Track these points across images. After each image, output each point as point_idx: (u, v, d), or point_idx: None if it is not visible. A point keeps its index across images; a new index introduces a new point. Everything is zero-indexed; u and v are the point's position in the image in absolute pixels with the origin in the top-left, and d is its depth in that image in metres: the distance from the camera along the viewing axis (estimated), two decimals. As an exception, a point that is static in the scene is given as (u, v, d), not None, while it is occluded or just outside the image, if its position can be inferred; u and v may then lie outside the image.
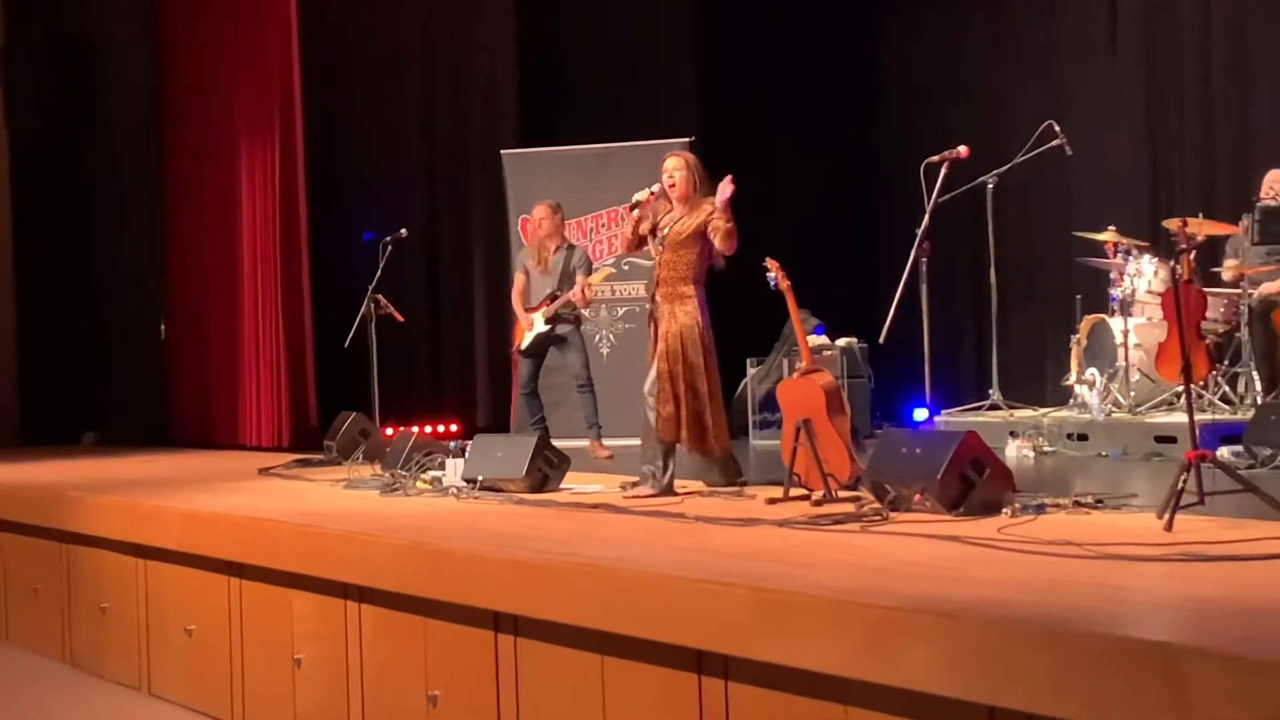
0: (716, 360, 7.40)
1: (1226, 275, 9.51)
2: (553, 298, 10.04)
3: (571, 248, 10.27)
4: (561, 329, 10.14)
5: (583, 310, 10.22)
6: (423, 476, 7.68)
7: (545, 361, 10.39)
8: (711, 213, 7.23)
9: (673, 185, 7.36)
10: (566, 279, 10.03)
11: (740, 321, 11.46)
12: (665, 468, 7.16)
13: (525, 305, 10.21)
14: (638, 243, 7.50)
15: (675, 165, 7.40)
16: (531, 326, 10.13)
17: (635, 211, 7.46)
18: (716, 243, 7.23)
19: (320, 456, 9.68)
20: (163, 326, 13.27)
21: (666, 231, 7.32)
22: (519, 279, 10.30)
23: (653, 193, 7.42)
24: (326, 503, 7.40)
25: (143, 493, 8.17)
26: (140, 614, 7.67)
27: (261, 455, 10.76)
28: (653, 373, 7.31)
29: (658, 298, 7.35)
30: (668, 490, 7.10)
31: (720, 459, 7.40)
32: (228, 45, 12.27)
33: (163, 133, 13.07)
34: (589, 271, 10.11)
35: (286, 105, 11.72)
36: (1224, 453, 7.35)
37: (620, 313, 11.87)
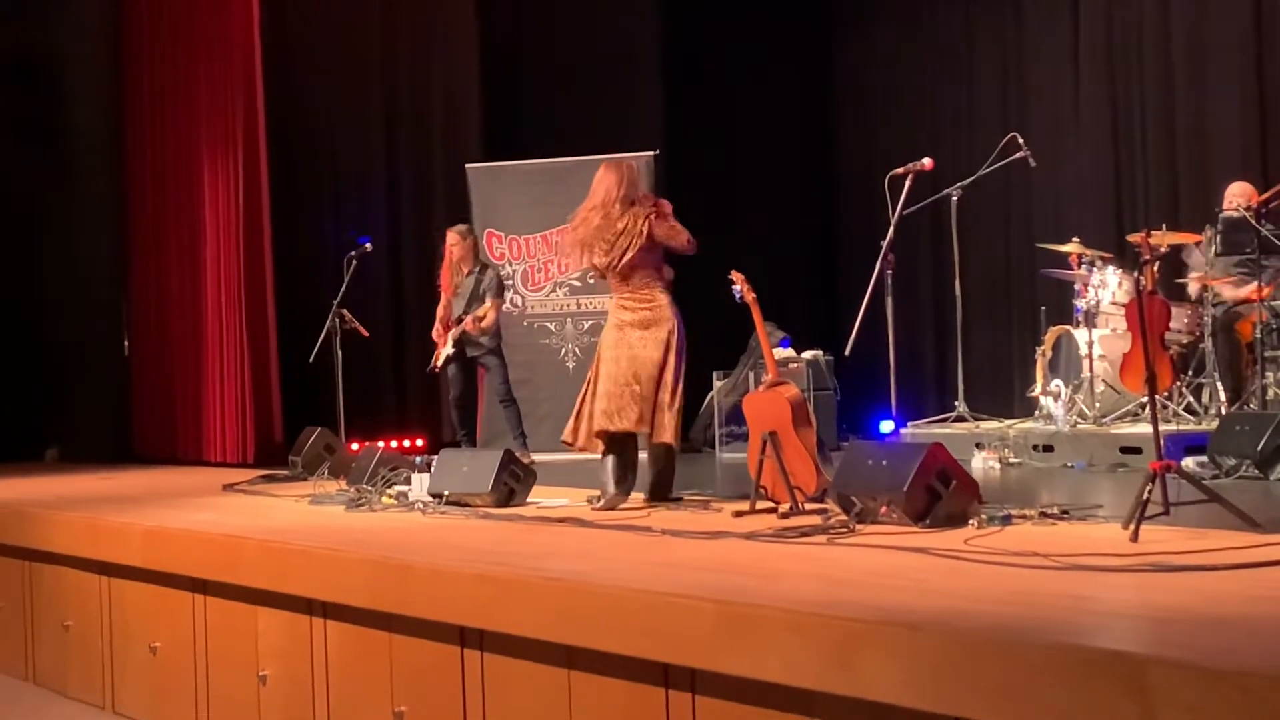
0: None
1: (1191, 287, 9.56)
2: (458, 321, 10.27)
3: (485, 269, 10.44)
4: (474, 352, 10.37)
5: (477, 335, 10.29)
6: (388, 492, 7.65)
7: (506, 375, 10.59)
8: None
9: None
10: (476, 301, 10.23)
11: (706, 335, 11.50)
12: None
13: (444, 324, 10.43)
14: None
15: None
16: (444, 345, 10.33)
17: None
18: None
19: (285, 472, 9.66)
20: (126, 342, 13.22)
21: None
22: (442, 296, 10.51)
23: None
24: (291, 519, 7.37)
25: (106, 509, 8.12)
26: (104, 632, 7.61)
27: (226, 471, 10.72)
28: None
29: None
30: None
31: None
32: (190, 61, 12.23)
33: (124, 148, 13.03)
34: (499, 293, 10.32)
35: (249, 120, 11.69)
36: (1189, 463, 7.39)
37: (586, 326, 11.86)
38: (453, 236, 10.51)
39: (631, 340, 7.31)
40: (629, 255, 7.29)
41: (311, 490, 8.35)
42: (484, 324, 10.21)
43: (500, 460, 7.30)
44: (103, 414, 13.09)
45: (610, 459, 7.21)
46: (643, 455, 7.35)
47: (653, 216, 7.34)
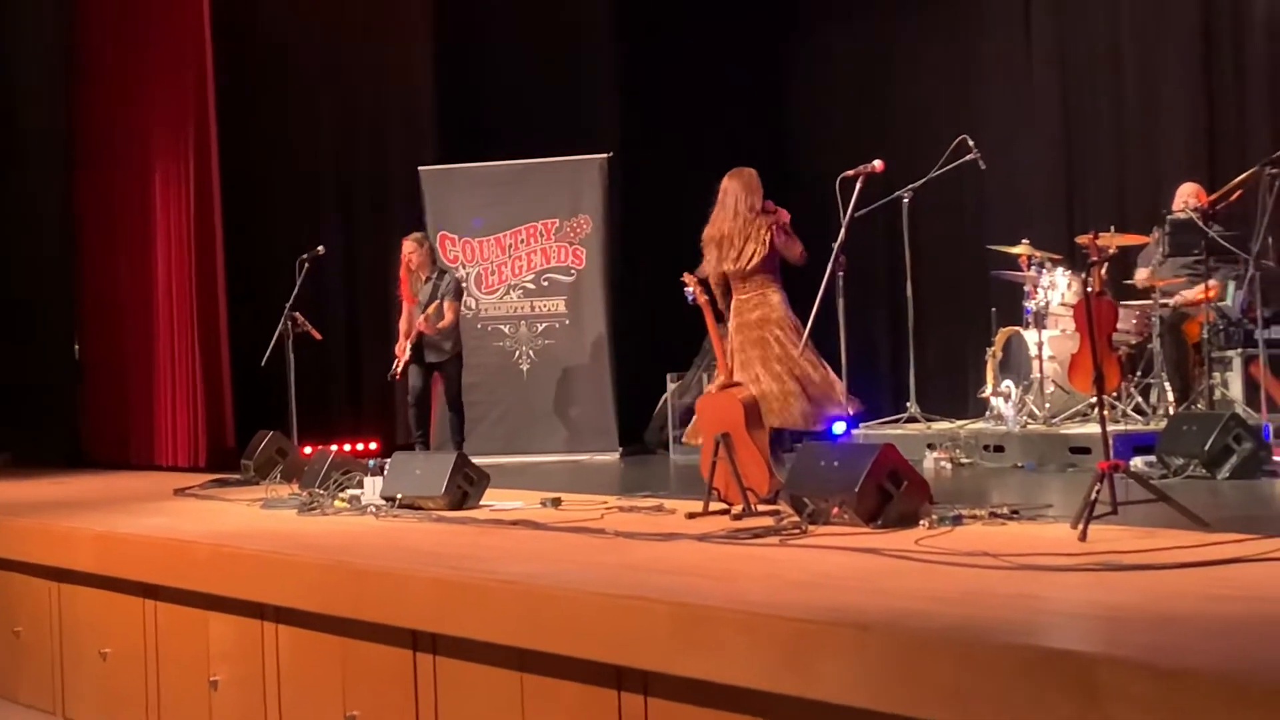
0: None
1: (1139, 285, 9.63)
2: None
3: (442, 275, 10.52)
4: (432, 358, 10.44)
5: (431, 337, 10.38)
6: (341, 495, 7.63)
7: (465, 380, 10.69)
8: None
9: None
10: (432, 305, 10.29)
11: (660, 336, 11.53)
12: None
13: (405, 333, 10.56)
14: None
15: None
16: (404, 353, 10.42)
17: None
18: None
19: (237, 476, 9.63)
20: (77, 346, 13.13)
21: None
22: (404, 306, 10.64)
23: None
24: (243, 523, 7.34)
25: (56, 515, 8.07)
26: (54, 637, 7.56)
27: (178, 475, 10.66)
28: None
29: None
30: None
31: None
32: (142, 61, 12.17)
33: (75, 150, 12.95)
34: (457, 296, 10.39)
35: (201, 123, 11.64)
36: (1137, 463, 7.45)
37: (540, 329, 11.86)
38: (409, 245, 10.59)
39: (752, 339, 8.00)
40: (753, 263, 7.99)
41: (263, 494, 8.32)
42: (440, 324, 10.25)
43: (454, 463, 7.29)
44: (54, 418, 13.00)
45: None
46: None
47: (774, 227, 7.99)
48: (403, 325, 10.63)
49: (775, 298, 8.03)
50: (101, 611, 7.19)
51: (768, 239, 7.99)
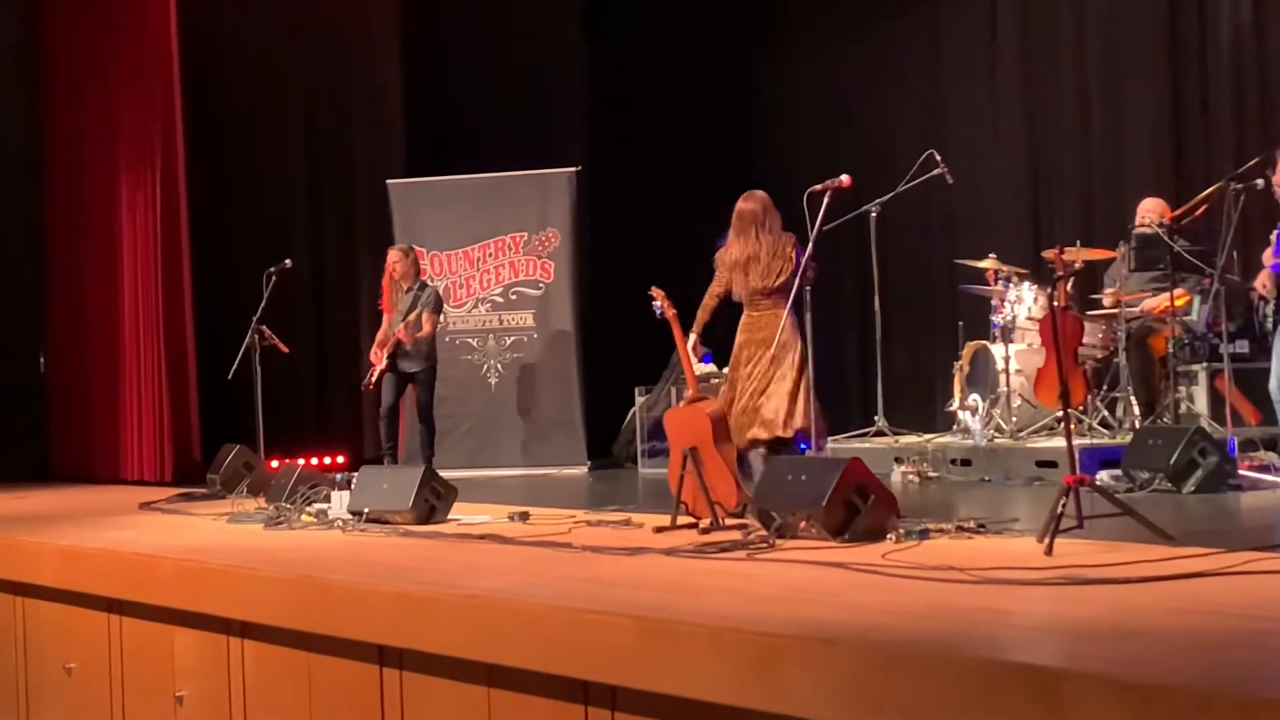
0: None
1: (1106, 301, 9.68)
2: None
3: (424, 287, 10.49)
4: (408, 366, 10.39)
5: (407, 347, 10.32)
6: (307, 509, 7.60)
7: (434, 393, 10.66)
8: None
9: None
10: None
11: (628, 350, 11.53)
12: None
13: (381, 343, 10.52)
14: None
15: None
16: (379, 362, 10.37)
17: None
18: None
19: (203, 490, 9.58)
20: (42, 359, 13.06)
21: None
22: (384, 317, 10.59)
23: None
24: (209, 537, 7.31)
25: (20, 529, 8.02)
26: (18, 652, 7.51)
27: (144, 489, 10.62)
28: None
29: None
30: None
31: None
32: (108, 76, 12.13)
33: (43, 163, 12.89)
34: (436, 309, 10.37)
35: (168, 137, 11.60)
36: (1103, 477, 7.48)
37: (508, 342, 11.85)
38: (394, 254, 10.62)
39: (761, 357, 8.16)
40: (781, 279, 8.13)
41: (230, 508, 8.28)
42: (419, 334, 10.24)
43: (421, 477, 7.27)
44: (18, 432, 12.92)
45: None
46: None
47: (796, 245, 8.12)
48: (380, 335, 10.58)
49: (788, 319, 8.15)
50: (66, 626, 7.14)
51: (793, 255, 8.15)
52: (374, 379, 10.43)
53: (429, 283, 10.93)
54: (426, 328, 10.39)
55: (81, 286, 12.48)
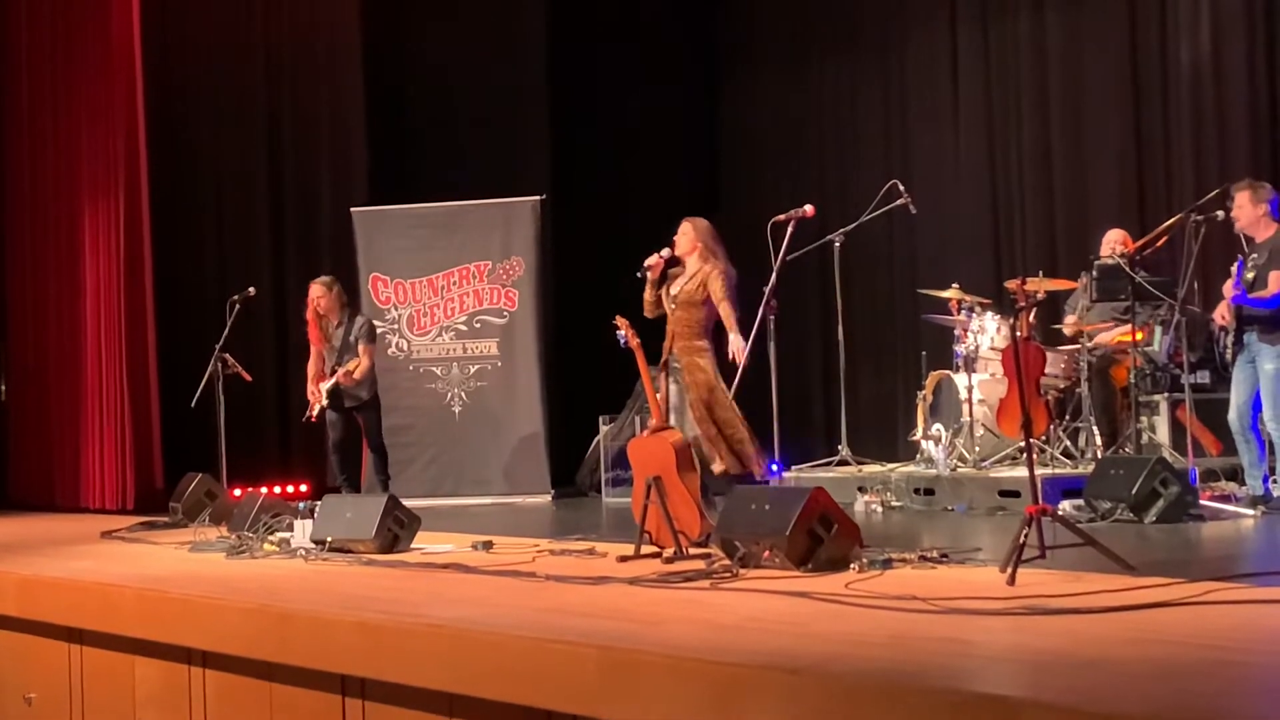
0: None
1: (1066, 330, 9.73)
2: (332, 372, 10.16)
3: (354, 317, 10.36)
4: (350, 403, 10.29)
5: (351, 387, 10.21)
6: (270, 538, 7.57)
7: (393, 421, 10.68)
8: (710, 274, 7.80)
9: (675, 246, 7.99)
10: (349, 350, 10.18)
11: (592, 379, 11.53)
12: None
13: (316, 378, 10.31)
14: (656, 303, 8.01)
15: (682, 229, 8.03)
16: (318, 398, 10.21)
17: (648, 275, 7.96)
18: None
19: (165, 519, 9.54)
20: (2, 386, 12.99)
21: (676, 290, 7.87)
22: (313, 349, 10.39)
23: (661, 257, 7.96)
24: (170, 566, 7.27)
25: (-20, 558, 7.97)
26: (-23, 682, 7.46)
27: (105, 518, 10.56)
28: (689, 421, 7.76)
29: (675, 351, 7.81)
30: None
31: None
32: (70, 101, 12.07)
33: (2, 189, 12.82)
34: (371, 339, 10.22)
35: (131, 162, 11.56)
36: (1065, 507, 7.51)
37: (472, 370, 11.83)
38: (317, 289, 10.33)
39: (678, 389, 7.85)
40: (690, 299, 7.81)
41: (192, 537, 8.23)
42: (356, 375, 10.06)
43: (384, 506, 7.26)
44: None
45: None
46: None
47: (717, 274, 7.79)
48: (311, 369, 10.37)
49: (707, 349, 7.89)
50: (26, 656, 7.09)
51: (705, 283, 7.84)
52: (314, 413, 10.28)
53: (359, 313, 10.74)
54: (365, 362, 10.13)
55: (43, 313, 12.41)
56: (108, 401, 11.66)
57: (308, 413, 10.29)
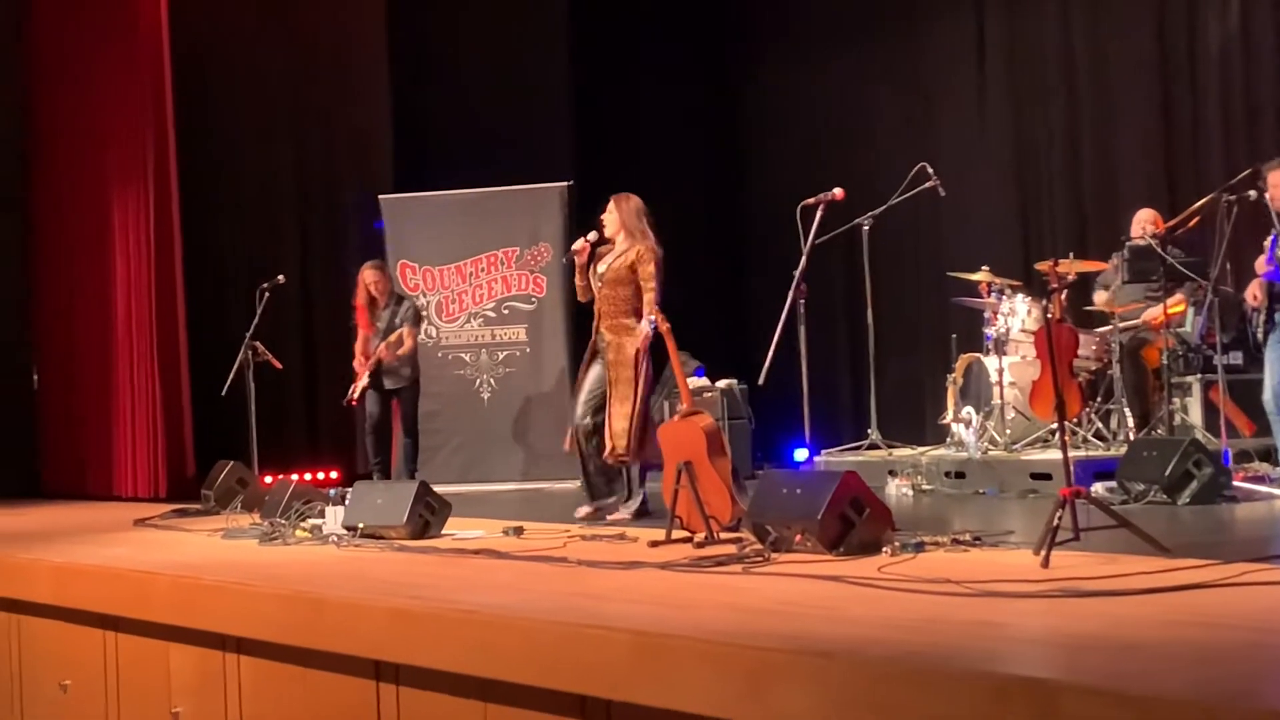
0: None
1: (1097, 300, 9.68)
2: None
3: (400, 301, 10.51)
4: (391, 384, 10.48)
5: (392, 361, 10.44)
6: (302, 525, 7.59)
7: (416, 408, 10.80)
8: (641, 253, 7.92)
9: (603, 225, 8.08)
10: (394, 333, 10.41)
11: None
12: (631, 488, 7.93)
13: (363, 358, 10.56)
14: (587, 286, 8.17)
15: (609, 207, 8.13)
16: (361, 379, 10.44)
17: (577, 259, 8.12)
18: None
19: (197, 506, 9.57)
20: (35, 376, 13.04)
21: (604, 269, 7.98)
22: (359, 333, 10.63)
23: (588, 240, 8.07)
24: (204, 553, 7.29)
25: (14, 546, 8.00)
26: (13, 670, 7.50)
27: (137, 506, 10.60)
28: (596, 398, 7.94)
29: (602, 329, 7.96)
30: (643, 510, 7.80)
31: (634, 473, 7.99)
32: (99, 93, 12.11)
33: (31, 179, 12.87)
34: (416, 322, 10.42)
35: (160, 153, 11.59)
36: (1098, 489, 7.48)
37: (501, 357, 11.84)
38: (371, 273, 10.63)
39: (600, 365, 7.99)
40: (618, 277, 7.94)
41: (224, 524, 8.27)
42: (401, 350, 10.27)
43: (415, 492, 7.27)
44: (11, 449, 12.89)
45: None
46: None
47: (648, 256, 7.93)
48: (358, 349, 10.60)
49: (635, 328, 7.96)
50: (61, 643, 7.13)
51: (633, 263, 7.97)
52: (356, 394, 10.44)
53: (406, 297, 10.94)
54: (409, 343, 10.42)
55: (74, 303, 12.46)
56: (139, 390, 11.70)
57: (349, 394, 10.39)
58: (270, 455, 10.51)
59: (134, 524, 9.08)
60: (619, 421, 7.82)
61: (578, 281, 8.21)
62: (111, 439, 11.95)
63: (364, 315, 10.59)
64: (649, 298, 7.87)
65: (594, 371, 8.05)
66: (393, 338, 10.31)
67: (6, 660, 7.54)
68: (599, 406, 7.99)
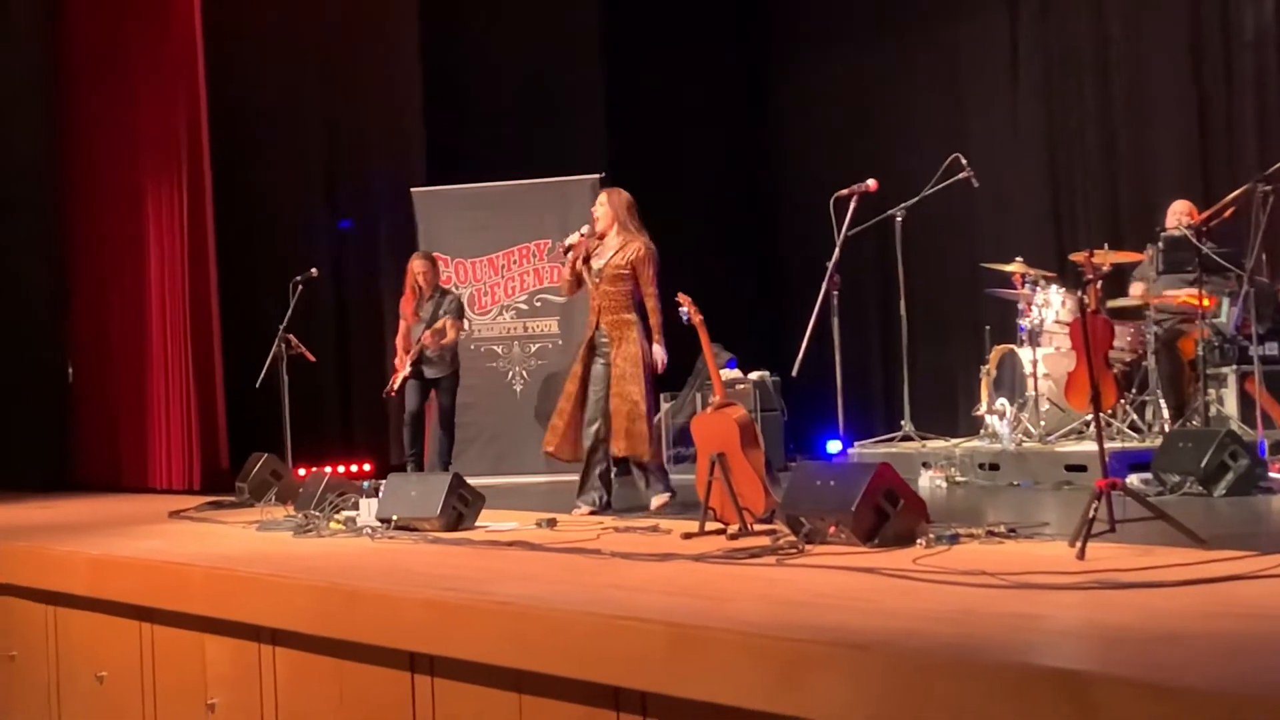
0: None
1: (1132, 292, 9.65)
2: (418, 343, 10.46)
3: (445, 294, 10.54)
4: (432, 373, 10.50)
5: (431, 353, 10.45)
6: (336, 517, 7.61)
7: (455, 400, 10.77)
8: (639, 252, 7.88)
9: (595, 220, 8.03)
10: (435, 324, 10.40)
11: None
12: (648, 480, 7.93)
13: (405, 349, 10.61)
14: (576, 282, 8.17)
15: (599, 201, 8.10)
16: (403, 369, 10.49)
17: (569, 254, 8.10)
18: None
19: (232, 498, 9.60)
20: (70, 368, 13.11)
21: (600, 265, 7.95)
22: (402, 325, 10.67)
23: (583, 235, 8.06)
24: (238, 545, 7.32)
25: (50, 538, 8.05)
26: (50, 661, 7.54)
27: (172, 498, 10.65)
28: (602, 399, 7.91)
29: (602, 325, 7.95)
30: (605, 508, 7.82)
31: (653, 467, 7.90)
32: (131, 86, 12.16)
33: (65, 171, 12.93)
34: (459, 314, 10.45)
35: (194, 146, 11.62)
36: (1133, 480, 7.44)
37: (533, 349, 11.86)
38: (421, 264, 10.67)
39: (602, 362, 7.94)
40: (616, 273, 7.90)
41: (259, 516, 8.29)
42: (445, 340, 10.32)
43: (449, 484, 7.28)
44: (46, 442, 12.97)
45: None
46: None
47: (645, 255, 7.92)
48: (400, 342, 10.64)
49: (633, 321, 8.00)
50: (97, 635, 7.17)
51: (632, 259, 7.95)
52: (396, 386, 10.49)
53: (450, 289, 10.97)
54: (451, 334, 10.47)
55: (108, 296, 12.52)
56: (173, 383, 11.75)
57: (389, 385, 10.44)
58: (304, 448, 10.54)
59: (169, 516, 9.11)
60: (636, 423, 7.77)
61: (566, 275, 8.23)
62: (146, 431, 12.00)
63: (409, 305, 10.61)
64: (652, 305, 7.87)
65: (596, 370, 8.00)
66: (438, 325, 10.36)
67: (43, 652, 7.59)
68: (606, 409, 7.95)
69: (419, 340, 10.43)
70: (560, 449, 8.13)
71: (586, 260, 8.05)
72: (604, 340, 7.94)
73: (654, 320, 7.87)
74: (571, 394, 8.07)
